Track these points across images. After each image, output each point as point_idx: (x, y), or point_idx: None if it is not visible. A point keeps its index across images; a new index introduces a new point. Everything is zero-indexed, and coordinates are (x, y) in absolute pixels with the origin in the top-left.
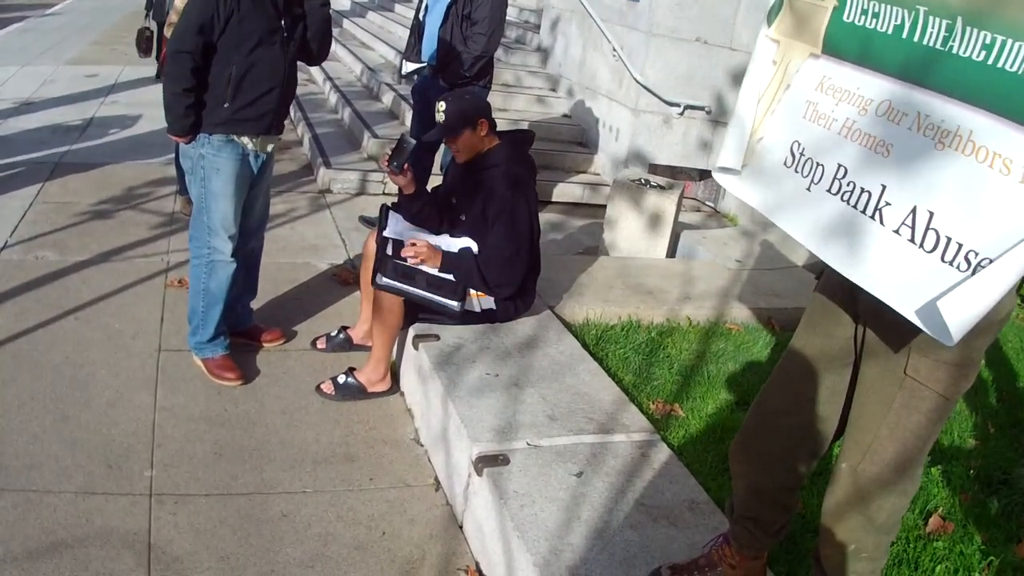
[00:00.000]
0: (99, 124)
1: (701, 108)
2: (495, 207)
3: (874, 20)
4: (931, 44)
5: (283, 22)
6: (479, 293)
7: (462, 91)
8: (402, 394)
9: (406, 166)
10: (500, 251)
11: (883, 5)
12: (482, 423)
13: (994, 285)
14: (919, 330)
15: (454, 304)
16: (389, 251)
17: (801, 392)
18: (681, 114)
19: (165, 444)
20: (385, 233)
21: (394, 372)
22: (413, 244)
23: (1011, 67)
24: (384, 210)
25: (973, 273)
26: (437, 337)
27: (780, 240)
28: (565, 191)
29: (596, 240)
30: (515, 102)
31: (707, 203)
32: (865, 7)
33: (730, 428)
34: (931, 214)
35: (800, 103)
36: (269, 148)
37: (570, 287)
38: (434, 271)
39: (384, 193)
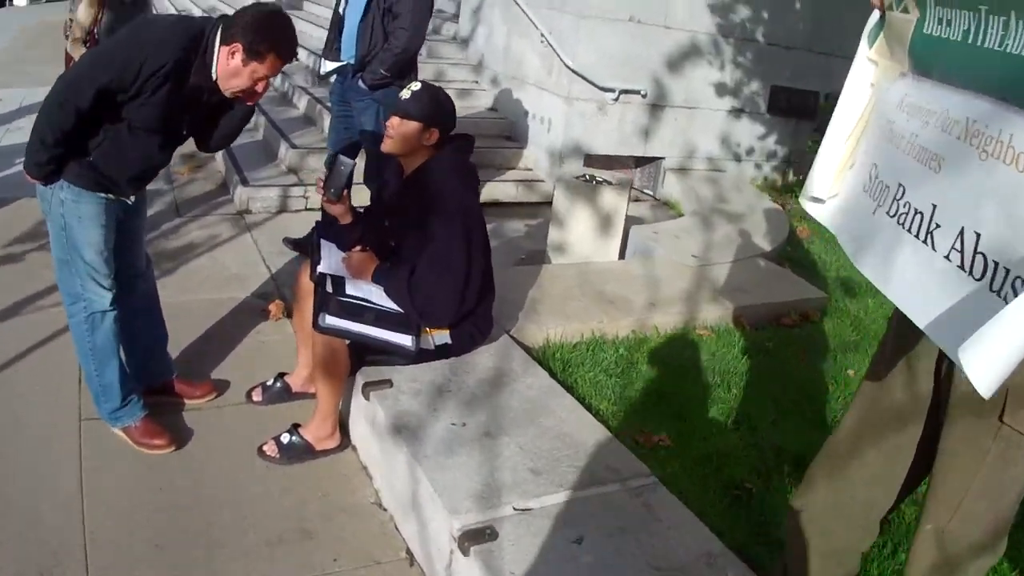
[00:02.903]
0: (3, 154)
1: (637, 92)
2: (427, 227)
3: (947, 28)
4: (990, 46)
5: (184, 127)
6: (432, 329)
7: (439, 87)
8: (354, 449)
9: (344, 192)
10: (426, 276)
11: (954, 11)
12: (458, 489)
13: None
14: (1018, 372)
15: (407, 343)
16: (328, 287)
17: (877, 443)
18: (616, 99)
19: (99, 540)
20: (321, 268)
21: (342, 424)
22: (347, 258)
23: None
24: (316, 240)
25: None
26: (389, 383)
27: (733, 230)
28: (497, 191)
29: (537, 243)
30: None
31: (645, 191)
32: (940, 15)
33: (724, 452)
34: (977, 236)
35: (883, 124)
36: (132, 198)
37: (524, 304)
38: (371, 291)
39: (307, 208)
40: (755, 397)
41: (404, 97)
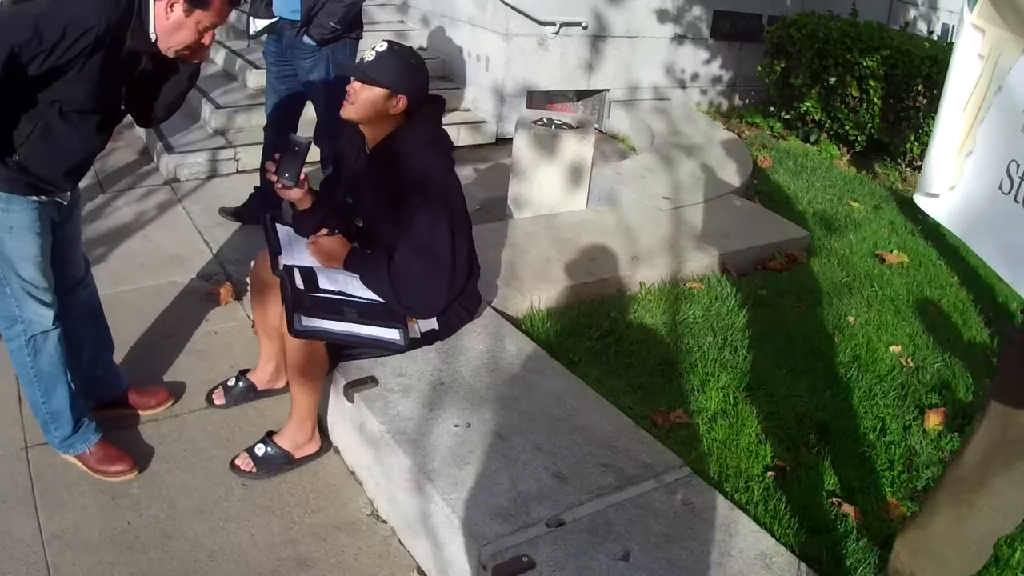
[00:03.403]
0: None
1: (578, 24)
2: (404, 210)
3: None
4: None
5: (121, 102)
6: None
7: (409, 48)
8: (337, 451)
9: (302, 176)
10: (409, 266)
11: None
12: (477, 506)
13: None
14: None
15: (396, 337)
16: (300, 283)
17: (1008, 471)
18: (556, 33)
19: None
20: (285, 260)
21: (320, 423)
22: (313, 243)
23: None
24: (270, 225)
25: None
26: (374, 381)
27: (696, 166)
28: None
29: (490, 190)
30: (366, 42)
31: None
32: None
33: (745, 424)
34: None
35: (1017, 112)
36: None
37: (501, 269)
38: (346, 281)
39: (238, 171)
40: (762, 357)
41: (367, 60)
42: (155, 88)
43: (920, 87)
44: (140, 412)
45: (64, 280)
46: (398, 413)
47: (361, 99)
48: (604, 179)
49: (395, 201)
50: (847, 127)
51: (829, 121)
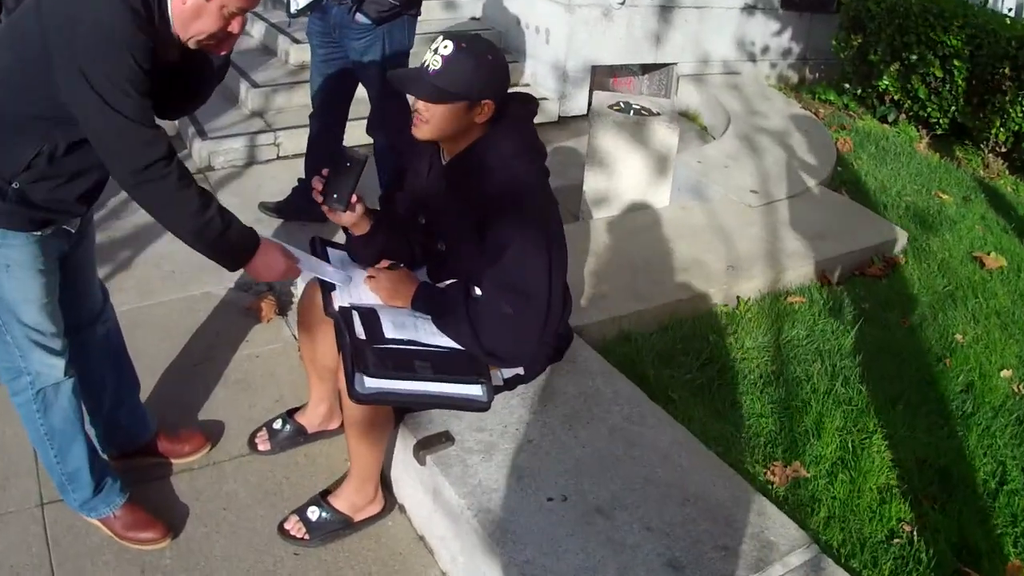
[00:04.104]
0: None
1: None
2: (493, 237)
3: None
4: None
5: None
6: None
7: (479, 37)
8: (403, 510)
9: (354, 198)
10: (496, 306)
11: None
12: None
13: None
14: None
15: (479, 392)
16: (360, 332)
17: None
18: (623, 3)
19: None
20: (340, 301)
21: (382, 478)
22: (372, 277)
23: None
24: (319, 250)
25: None
26: (449, 438)
27: (778, 152)
28: None
29: (558, 178)
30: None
31: (677, 115)
32: None
33: (869, 477)
34: None
35: None
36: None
37: (583, 284)
38: (416, 324)
39: (279, 157)
40: (875, 386)
41: (431, 68)
42: (183, 84)
43: (1006, 69)
44: (172, 460)
45: (79, 316)
46: (480, 482)
47: (436, 117)
48: (687, 169)
49: (481, 226)
50: (929, 108)
51: (908, 101)
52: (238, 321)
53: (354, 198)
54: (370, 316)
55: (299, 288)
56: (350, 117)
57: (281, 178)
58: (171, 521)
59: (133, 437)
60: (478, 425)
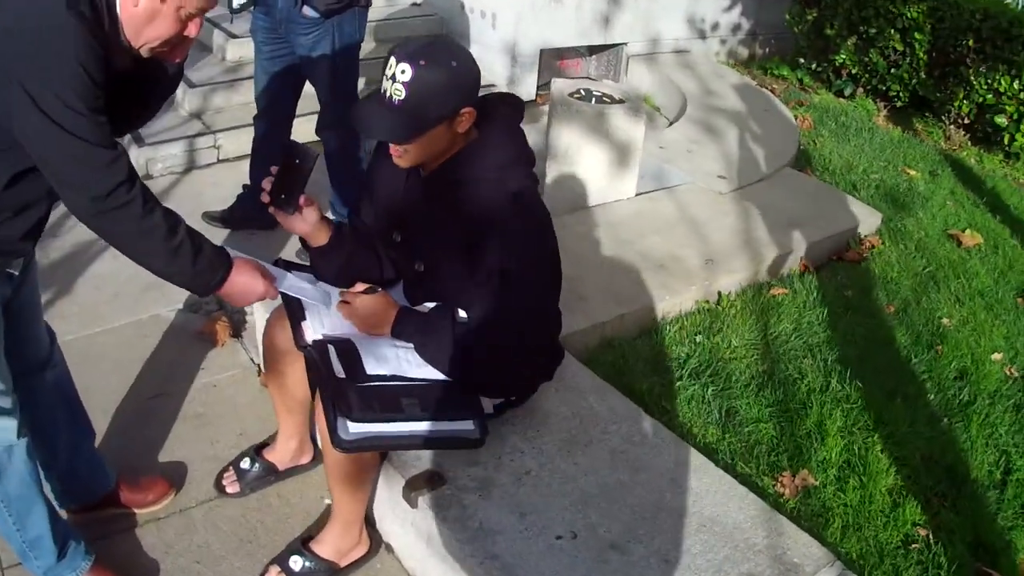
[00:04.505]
0: None
1: None
2: (483, 260)
3: None
4: None
5: None
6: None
7: (435, 43)
8: (388, 548)
9: (303, 199)
10: (487, 333)
11: None
12: None
13: None
14: None
15: (470, 427)
16: (339, 370)
17: None
18: None
19: None
20: (313, 332)
21: (366, 516)
22: (346, 303)
23: None
24: (283, 270)
25: None
26: (441, 479)
27: (740, 133)
28: None
29: None
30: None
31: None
32: None
33: (878, 479)
34: None
35: None
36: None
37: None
38: (397, 355)
39: (219, 160)
40: (869, 381)
41: (395, 99)
42: (134, 95)
43: (970, 42)
44: (135, 511)
45: (25, 362)
46: (480, 525)
47: (415, 147)
48: (649, 155)
49: (468, 246)
50: (888, 82)
51: (866, 75)
52: (191, 346)
53: (303, 200)
54: (348, 350)
55: (252, 308)
56: (297, 114)
57: (223, 183)
58: None
59: (92, 489)
60: (470, 459)
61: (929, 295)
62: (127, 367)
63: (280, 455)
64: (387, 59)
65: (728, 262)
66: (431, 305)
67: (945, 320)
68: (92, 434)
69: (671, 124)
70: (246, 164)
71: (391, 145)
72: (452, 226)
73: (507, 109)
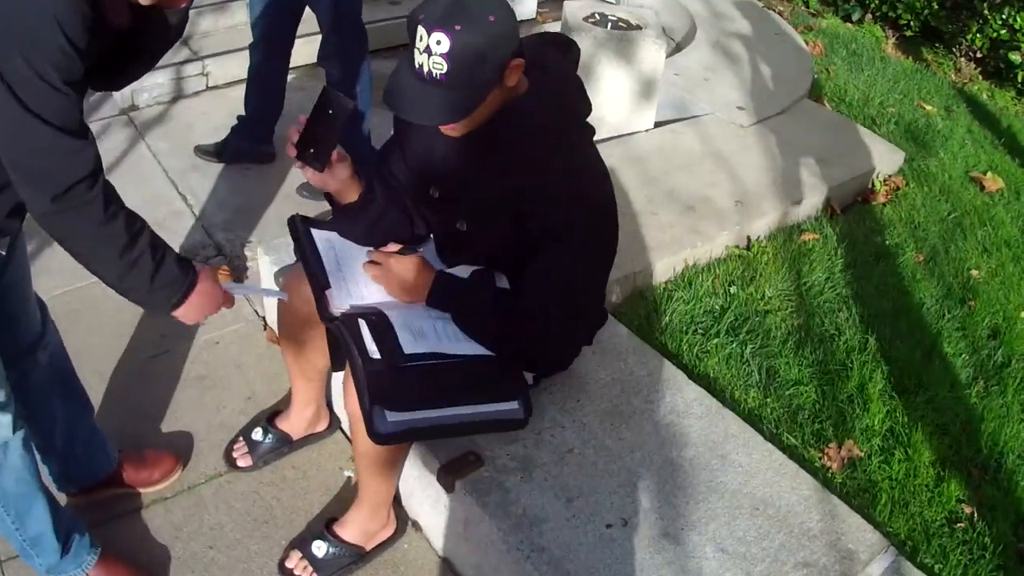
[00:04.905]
0: None
1: None
2: (537, 235)
3: None
4: None
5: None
6: None
7: (463, 6)
8: (416, 526)
9: (335, 155)
10: (541, 311)
11: None
12: None
13: None
14: None
15: (515, 407)
16: (372, 349)
17: None
18: None
19: None
20: (340, 303)
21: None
22: (377, 265)
23: None
24: (302, 231)
25: None
26: (479, 460)
27: (753, 57)
28: None
29: None
30: None
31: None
32: None
33: (919, 451)
34: None
35: None
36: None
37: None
38: (434, 327)
39: (208, 88)
40: (906, 338)
41: (437, 73)
42: (133, 50)
43: None
44: (140, 491)
45: (16, 344)
46: (524, 511)
47: (462, 122)
48: (666, 83)
49: (519, 215)
50: (899, 9)
51: (876, 1)
52: None
53: (335, 155)
54: (381, 326)
55: (256, 254)
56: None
57: (213, 113)
58: (152, 570)
59: (93, 471)
60: (508, 436)
61: (956, 243)
62: (121, 324)
63: (294, 424)
64: (411, 28)
65: (758, 204)
66: (467, 268)
67: (974, 272)
68: (91, 409)
69: (680, 49)
70: (236, 92)
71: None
72: (499, 187)
73: (556, 53)
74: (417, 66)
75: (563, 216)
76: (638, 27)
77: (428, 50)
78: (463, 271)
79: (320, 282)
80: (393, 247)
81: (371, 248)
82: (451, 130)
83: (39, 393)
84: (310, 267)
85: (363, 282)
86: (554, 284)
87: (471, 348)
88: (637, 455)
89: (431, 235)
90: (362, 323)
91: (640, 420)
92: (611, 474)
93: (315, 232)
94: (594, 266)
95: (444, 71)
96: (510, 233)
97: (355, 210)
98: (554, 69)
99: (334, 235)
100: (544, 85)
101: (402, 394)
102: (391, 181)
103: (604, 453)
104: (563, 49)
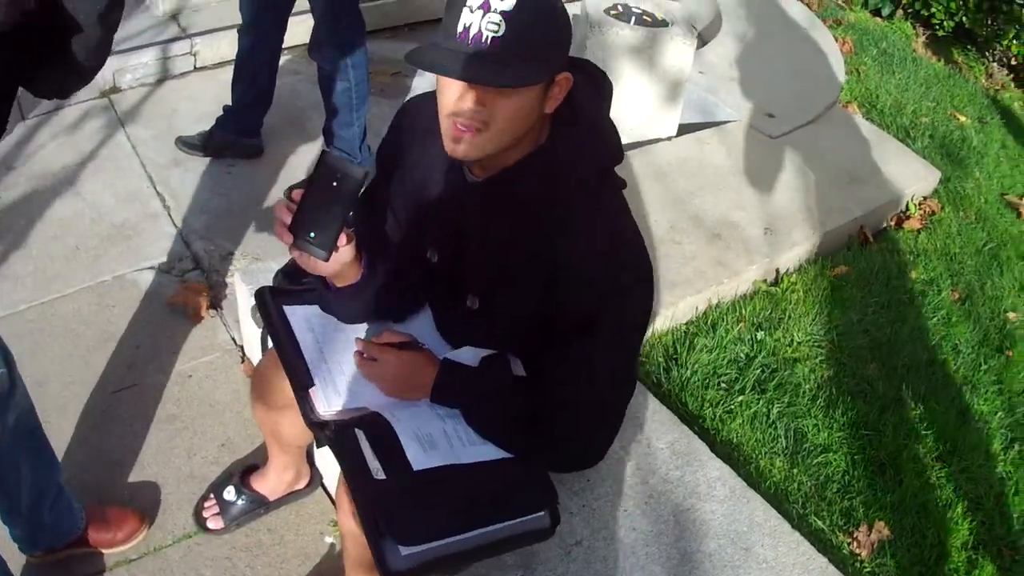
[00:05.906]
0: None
1: None
2: (575, 304)
3: None
4: None
5: None
6: None
7: None
8: None
9: (343, 238)
10: (572, 408)
11: None
12: None
13: None
14: None
15: (541, 516)
16: (375, 467)
17: None
18: None
19: None
20: (328, 404)
21: None
22: (374, 360)
23: None
24: (273, 311)
25: None
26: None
27: (780, 55)
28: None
29: None
30: None
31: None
32: None
33: (949, 530)
34: None
35: None
36: None
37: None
38: (443, 429)
39: (196, 68)
40: (940, 393)
41: (491, 37)
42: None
43: None
44: (103, 551)
45: None
46: None
47: (503, 115)
48: (690, 82)
49: (547, 288)
50: (933, 8)
51: None
52: (162, 320)
53: (343, 238)
54: (383, 438)
55: (235, 279)
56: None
57: (200, 96)
58: None
59: (59, 534)
60: None
61: (992, 279)
62: (87, 347)
63: (272, 486)
64: None
65: (788, 232)
66: (471, 351)
67: (1011, 315)
68: (58, 467)
69: (705, 41)
70: (226, 74)
71: (453, 117)
72: (525, 252)
73: (590, 90)
74: (461, 28)
75: (605, 295)
76: (664, 22)
77: (485, 5)
78: (469, 354)
79: (300, 380)
80: (390, 336)
81: (359, 336)
82: (468, 145)
83: (5, 460)
84: (287, 357)
85: (354, 376)
86: (585, 379)
87: (489, 452)
88: (653, 549)
89: (426, 305)
90: (360, 435)
91: (657, 505)
92: (623, 572)
93: (289, 311)
94: (636, 344)
95: (500, 33)
96: (536, 311)
97: (353, 292)
98: (589, 110)
99: (313, 312)
100: (580, 130)
101: (416, 522)
102: (382, 238)
103: (616, 546)
104: (595, 84)
